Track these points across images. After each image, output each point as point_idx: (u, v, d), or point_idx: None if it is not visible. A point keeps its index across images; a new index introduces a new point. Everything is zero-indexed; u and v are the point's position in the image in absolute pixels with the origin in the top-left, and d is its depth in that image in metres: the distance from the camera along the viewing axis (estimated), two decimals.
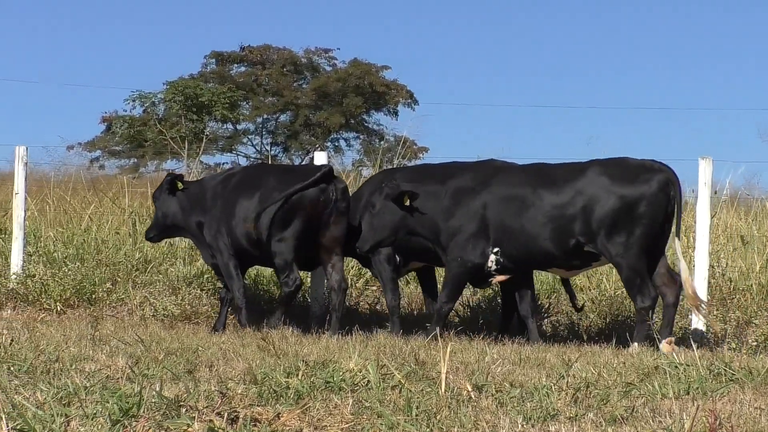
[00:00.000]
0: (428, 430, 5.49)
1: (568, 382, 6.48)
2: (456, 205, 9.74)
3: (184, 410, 5.47)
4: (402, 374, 6.57)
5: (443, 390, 6.21)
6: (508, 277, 9.78)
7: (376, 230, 9.94)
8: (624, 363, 7.76)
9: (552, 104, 70.98)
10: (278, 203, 10.00)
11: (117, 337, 8.76)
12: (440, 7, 72.90)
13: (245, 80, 47.69)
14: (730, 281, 11.47)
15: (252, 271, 11.90)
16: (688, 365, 7.25)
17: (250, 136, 48.53)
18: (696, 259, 10.71)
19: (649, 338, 9.22)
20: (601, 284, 11.96)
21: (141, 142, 43.60)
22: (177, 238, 12.52)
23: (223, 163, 43.08)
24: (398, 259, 10.43)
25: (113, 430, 5.22)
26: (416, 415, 5.66)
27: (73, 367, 6.96)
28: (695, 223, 10.88)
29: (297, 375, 6.49)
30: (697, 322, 10.38)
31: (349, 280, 12.19)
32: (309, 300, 11.57)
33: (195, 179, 11.77)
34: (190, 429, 5.24)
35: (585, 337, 10.54)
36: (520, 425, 5.63)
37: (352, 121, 47.91)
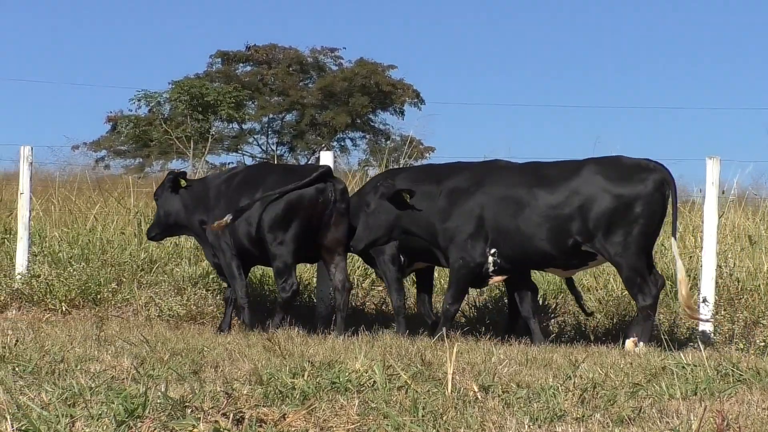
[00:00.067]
0: (434, 430, 5.47)
1: (575, 382, 6.47)
2: (452, 206, 9.72)
3: (189, 411, 5.46)
4: (408, 375, 6.55)
5: (450, 391, 6.19)
6: (505, 277, 9.78)
7: (371, 229, 9.92)
8: (631, 363, 7.74)
9: (559, 104, 71.02)
10: (260, 201, 9.98)
11: (122, 338, 8.75)
12: (446, 6, 72.94)
13: (251, 80, 47.71)
14: (738, 281, 11.43)
15: (258, 271, 11.88)
16: (696, 366, 7.23)
17: (255, 136, 48.60)
18: (704, 259, 10.68)
19: (654, 338, 9.18)
20: (608, 285, 11.92)
21: (146, 142, 43.70)
22: (183, 238, 12.52)
23: (229, 163, 43.15)
24: (403, 259, 10.41)
25: (118, 430, 5.21)
26: (422, 416, 5.65)
27: (78, 367, 6.95)
28: (703, 223, 10.85)
29: (303, 375, 6.47)
30: (705, 324, 10.34)
31: (355, 280, 12.18)
32: (315, 300, 11.55)
33: (198, 178, 11.76)
34: (195, 430, 5.23)
35: (592, 338, 10.52)
36: (526, 426, 5.60)
37: (358, 121, 47.91)
